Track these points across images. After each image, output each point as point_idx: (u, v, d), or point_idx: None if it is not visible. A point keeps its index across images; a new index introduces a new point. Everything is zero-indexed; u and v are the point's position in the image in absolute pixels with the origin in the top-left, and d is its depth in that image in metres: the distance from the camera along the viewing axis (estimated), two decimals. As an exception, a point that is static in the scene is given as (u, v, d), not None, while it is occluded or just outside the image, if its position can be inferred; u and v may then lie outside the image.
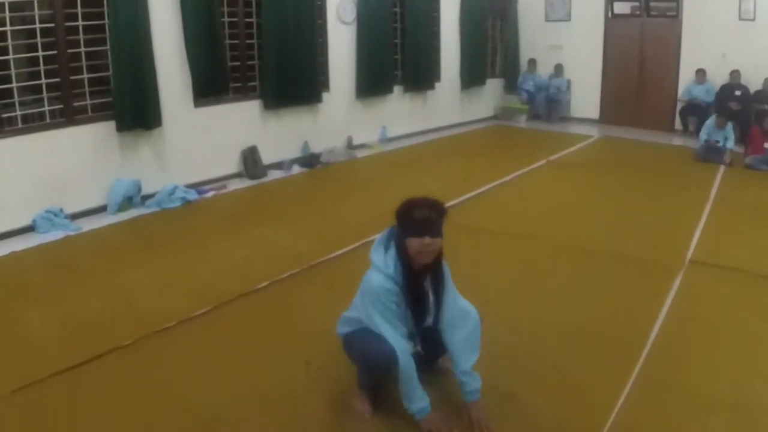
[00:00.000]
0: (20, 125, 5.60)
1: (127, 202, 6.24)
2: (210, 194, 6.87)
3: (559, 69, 12.31)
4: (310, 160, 8.26)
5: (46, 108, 5.76)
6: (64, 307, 4.11)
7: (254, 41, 7.65)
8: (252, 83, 7.77)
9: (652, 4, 11.49)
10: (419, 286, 2.74)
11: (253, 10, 7.56)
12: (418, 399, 2.70)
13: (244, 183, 7.42)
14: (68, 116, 5.91)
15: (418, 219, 2.59)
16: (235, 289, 4.28)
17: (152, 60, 6.34)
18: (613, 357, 3.44)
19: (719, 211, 6.30)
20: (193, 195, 6.64)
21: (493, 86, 12.78)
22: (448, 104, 11.48)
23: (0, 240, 5.38)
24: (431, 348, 2.94)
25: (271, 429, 2.82)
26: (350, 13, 8.87)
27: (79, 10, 5.79)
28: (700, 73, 10.64)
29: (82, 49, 5.90)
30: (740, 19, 10.36)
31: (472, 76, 11.71)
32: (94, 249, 5.31)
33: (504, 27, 12.83)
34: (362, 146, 9.40)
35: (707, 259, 4.91)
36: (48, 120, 5.80)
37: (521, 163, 8.35)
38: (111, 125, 6.15)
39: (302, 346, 3.53)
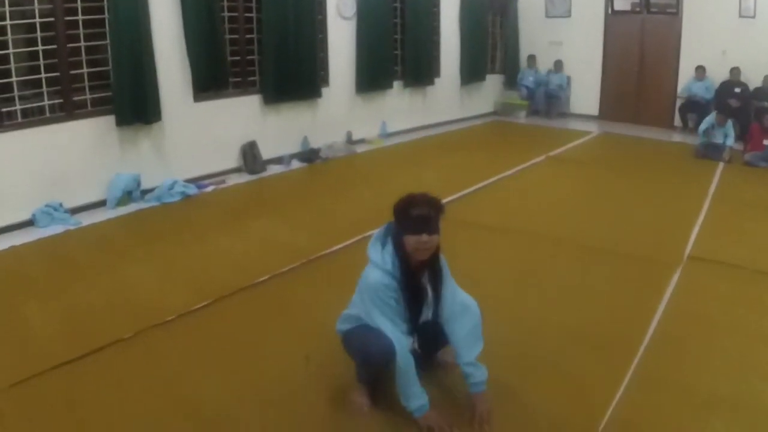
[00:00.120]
0: (20, 119, 5.60)
1: (127, 197, 6.24)
2: (209, 189, 6.88)
3: (558, 65, 12.30)
4: (309, 155, 8.27)
5: (46, 102, 5.75)
6: (63, 301, 4.12)
7: (254, 36, 7.64)
8: (252, 78, 7.77)
9: (652, 0, 11.47)
10: (417, 282, 2.75)
11: (253, 5, 7.55)
12: (416, 397, 2.70)
13: (244, 178, 7.42)
14: (68, 111, 5.90)
15: (415, 216, 2.60)
16: (234, 283, 4.29)
17: (152, 54, 6.34)
18: (611, 353, 3.45)
19: (718, 208, 6.30)
20: (192, 190, 6.64)
21: (493, 82, 12.77)
22: (447, 100, 11.47)
23: (-1, 234, 5.39)
24: (430, 342, 2.96)
25: (270, 422, 2.83)
26: (350, 8, 8.86)
27: (79, 4, 5.79)
28: (700, 70, 10.63)
29: (82, 44, 5.89)
30: (740, 16, 10.36)
31: (472, 71, 11.70)
32: (94, 243, 5.32)
33: (504, 23, 12.82)
34: (362, 141, 9.40)
35: (706, 256, 4.92)
36: (48, 114, 5.79)
37: (520, 159, 8.35)
38: (111, 120, 6.15)
39: (301, 340, 3.54)
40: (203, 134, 7.14)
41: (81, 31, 5.86)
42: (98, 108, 6.12)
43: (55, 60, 5.73)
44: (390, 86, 9.86)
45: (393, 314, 2.67)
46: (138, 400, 2.99)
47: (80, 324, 3.78)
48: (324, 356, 3.29)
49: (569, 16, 12.27)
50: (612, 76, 12.09)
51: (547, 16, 12.58)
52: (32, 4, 5.51)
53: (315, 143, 8.46)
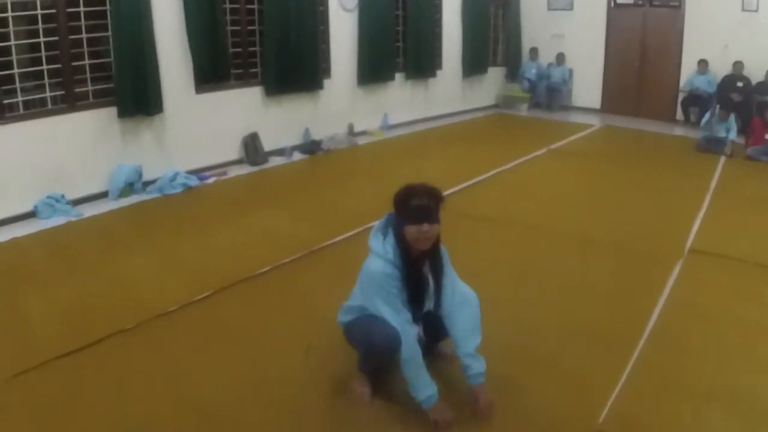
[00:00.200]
0: (22, 111, 5.60)
1: (129, 188, 6.25)
2: (211, 180, 6.88)
3: (560, 58, 12.27)
4: (311, 147, 8.27)
5: (48, 94, 5.76)
6: (65, 292, 4.14)
7: (256, 28, 7.64)
8: (253, 70, 7.77)
9: (654, -7, 11.47)
10: (418, 272, 2.77)
11: (255, -4, 7.56)
12: (425, 387, 2.70)
13: (245, 169, 7.43)
14: (70, 102, 5.91)
15: (416, 206, 2.62)
16: (235, 275, 4.31)
17: (154, 46, 6.33)
18: (610, 346, 3.46)
19: (719, 202, 6.31)
20: (194, 181, 6.65)
21: (495, 75, 12.75)
22: (449, 92, 11.46)
23: (1, 226, 5.40)
24: (431, 333, 2.98)
25: (271, 412, 2.84)
26: (352, 0, 8.85)
27: (81, -5, 5.80)
28: (702, 64, 10.60)
29: (84, 35, 5.89)
30: (743, 10, 10.33)
31: (474, 64, 11.68)
32: (96, 235, 5.34)
33: (506, 15, 12.79)
34: (363, 133, 9.40)
35: (706, 249, 4.93)
36: (49, 106, 5.80)
37: (522, 152, 8.35)
38: (112, 111, 6.15)
39: (303, 331, 3.55)
40: (205, 126, 7.14)
41: (83, 22, 5.86)
42: (100, 100, 6.13)
43: (57, 52, 5.73)
44: (392, 78, 9.85)
45: (397, 303, 2.68)
46: (139, 390, 3.01)
47: (82, 315, 3.79)
48: (325, 347, 3.31)
49: (571, 8, 12.24)
50: (614, 69, 12.07)
51: (549, 8, 12.55)
52: (34, -5, 5.51)
53: (316, 135, 8.46)
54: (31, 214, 5.62)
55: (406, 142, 9.29)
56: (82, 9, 5.81)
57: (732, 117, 8.77)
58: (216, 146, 7.33)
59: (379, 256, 2.67)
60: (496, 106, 12.84)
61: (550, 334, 3.60)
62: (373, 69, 9.31)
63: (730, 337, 3.59)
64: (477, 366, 2.78)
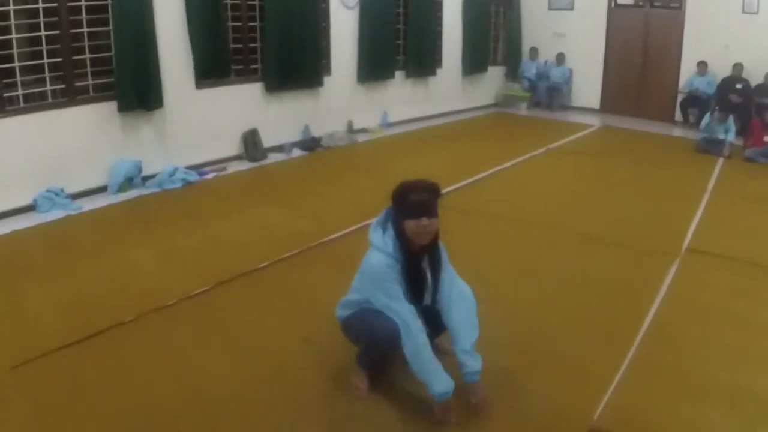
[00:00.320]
0: (22, 105, 5.60)
1: (128, 183, 6.26)
2: (210, 176, 6.89)
3: (561, 58, 12.28)
4: (310, 144, 8.28)
5: (48, 87, 5.77)
6: (64, 284, 4.15)
7: (257, 23, 7.64)
8: (254, 66, 7.77)
9: (655, -6, 11.49)
10: (417, 266, 2.78)
11: (256, -8, 7.57)
12: (437, 382, 2.66)
13: (245, 165, 7.44)
14: (70, 96, 5.91)
15: (414, 201, 2.65)
16: (235, 269, 4.32)
17: (154, 41, 6.34)
18: (607, 341, 3.48)
19: (717, 202, 6.33)
20: (193, 176, 6.66)
21: (495, 74, 12.76)
22: (449, 91, 11.47)
23: (1, 219, 5.40)
24: (430, 328, 2.98)
25: (269, 406, 2.85)
26: (353, -3, 8.87)
27: (82, -11, 5.80)
28: (702, 65, 10.62)
29: (85, 29, 5.89)
30: (743, 12, 10.35)
31: (474, 63, 11.69)
32: (95, 228, 5.34)
33: (507, 14, 12.80)
34: (363, 131, 9.41)
35: (704, 248, 4.95)
36: (50, 100, 5.81)
37: (521, 151, 8.37)
38: (112, 106, 6.16)
39: (302, 324, 3.58)
40: (205, 121, 7.15)
41: (84, 16, 5.87)
42: (100, 94, 6.13)
43: (58, 45, 5.73)
44: (392, 76, 9.86)
45: (400, 294, 2.69)
46: (138, 382, 3.02)
47: (81, 307, 3.80)
48: (324, 341, 3.32)
49: (572, 8, 12.25)
50: (614, 69, 12.09)
51: (550, 8, 12.56)
52: (36, -12, 5.52)
53: (316, 132, 8.47)
54: (30, 208, 5.63)
55: (406, 140, 9.31)
56: (83, 3, 5.82)
57: (731, 118, 8.80)
58: (215, 142, 7.34)
59: (380, 250, 2.70)
60: (495, 105, 12.86)
61: (547, 330, 3.61)
62: (374, 66, 9.32)
63: (727, 335, 3.61)
64: (473, 364, 2.77)
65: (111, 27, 6.00)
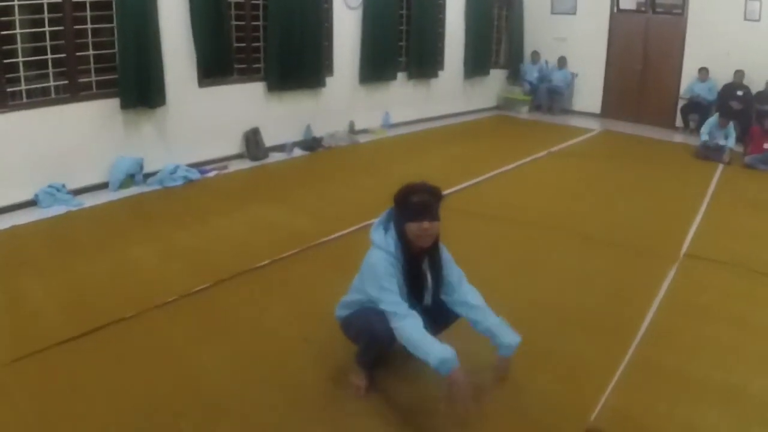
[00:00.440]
0: (25, 100, 5.62)
1: (129, 180, 6.27)
2: (211, 174, 6.91)
3: (562, 61, 12.31)
4: (311, 144, 8.30)
5: (51, 83, 5.78)
6: (65, 280, 4.16)
7: (260, 23, 7.66)
8: (256, 65, 7.79)
9: (658, 0, 11.48)
10: (418, 268, 2.80)
11: (260, -8, 7.59)
12: (440, 349, 2.55)
13: (246, 164, 7.45)
14: (73, 92, 5.93)
15: (416, 204, 2.67)
16: (235, 267, 4.34)
17: (158, 39, 6.36)
18: (606, 341, 3.51)
19: (716, 208, 6.35)
20: (194, 174, 6.67)
21: (496, 76, 12.79)
22: (451, 93, 11.49)
23: (2, 214, 5.42)
24: (430, 327, 2.99)
25: (269, 404, 2.87)
26: (356, -2, 8.90)
27: (87, -14, 5.82)
28: (703, 71, 10.63)
29: (89, 26, 5.91)
30: (745, 19, 10.36)
31: (476, 65, 11.72)
32: (96, 224, 5.35)
33: (509, 17, 12.83)
34: (364, 131, 9.43)
35: (702, 253, 4.96)
36: (53, 95, 5.82)
37: (522, 153, 8.39)
38: (115, 102, 6.18)
39: (302, 323, 3.60)
40: (207, 120, 7.17)
41: (88, 13, 5.88)
42: (103, 90, 6.15)
43: (62, 42, 5.75)
44: (394, 77, 9.88)
45: (393, 286, 2.69)
46: (138, 379, 3.04)
47: (81, 302, 3.82)
48: (324, 340, 3.34)
49: (574, 13, 12.27)
50: (615, 74, 12.10)
51: (553, 12, 12.59)
52: (40, -16, 5.53)
53: (317, 132, 8.49)
54: (31, 203, 5.65)
55: (407, 141, 9.32)
56: (87, -1, 5.84)
57: (731, 124, 8.82)
58: (217, 140, 7.36)
59: (381, 249, 2.71)
60: (497, 107, 12.87)
61: (546, 330, 3.64)
62: (376, 67, 9.34)
63: (724, 337, 3.64)
64: (510, 334, 2.90)
65: (115, 24, 6.02)
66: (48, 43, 5.65)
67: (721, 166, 8.32)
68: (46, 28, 5.61)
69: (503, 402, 2.90)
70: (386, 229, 2.78)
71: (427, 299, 2.86)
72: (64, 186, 5.82)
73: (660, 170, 8.07)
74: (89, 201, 5.84)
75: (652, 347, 3.46)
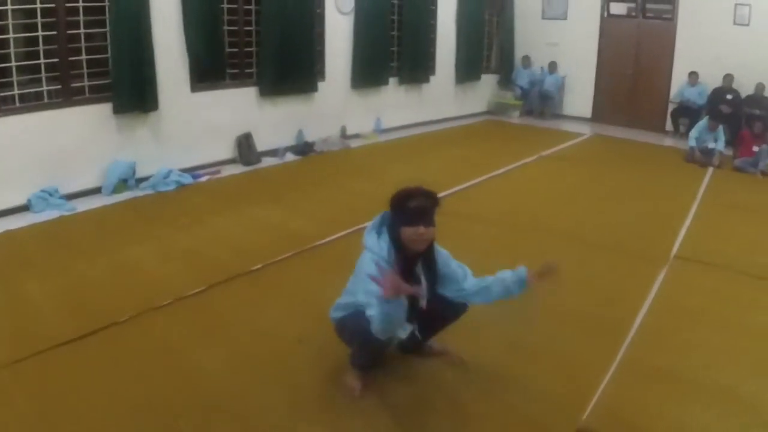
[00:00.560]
0: (18, 104, 5.62)
1: (122, 184, 6.27)
2: (204, 179, 6.91)
3: (553, 66, 12.37)
4: (303, 148, 8.32)
5: (44, 88, 5.78)
6: (60, 283, 4.16)
7: (252, 28, 7.68)
8: (249, 70, 7.81)
9: (648, 5, 11.57)
10: (411, 271, 2.82)
11: (253, -3, 7.61)
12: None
13: (238, 168, 7.46)
14: (66, 97, 5.93)
15: (413, 208, 2.68)
16: (230, 270, 4.36)
17: (151, 44, 6.37)
18: (598, 342, 3.55)
19: (706, 210, 6.40)
20: (187, 179, 6.68)
21: (488, 81, 12.84)
22: (442, 98, 11.52)
23: (-5, 218, 5.42)
24: (424, 330, 3.02)
25: (265, 404, 2.89)
26: (348, 3, 8.91)
27: (80, -9, 5.83)
28: (693, 76, 10.72)
29: (82, 31, 5.92)
30: (735, 23, 10.45)
31: (468, 70, 11.76)
32: (89, 228, 5.35)
33: (500, 23, 12.88)
34: (356, 136, 9.45)
35: (692, 256, 5.01)
36: (46, 100, 5.82)
37: (513, 158, 8.43)
38: (108, 107, 6.19)
39: (297, 324, 3.61)
40: (199, 124, 7.18)
41: (81, 17, 5.89)
42: (96, 95, 6.15)
43: (55, 46, 5.75)
44: (385, 82, 9.91)
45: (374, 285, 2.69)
46: (137, 379, 3.05)
47: (78, 306, 3.83)
48: (319, 341, 3.35)
49: (565, 18, 12.35)
50: (606, 78, 12.18)
51: (544, 17, 12.66)
52: (33, -11, 5.54)
53: (310, 137, 8.51)
54: (24, 208, 5.64)
55: (399, 146, 9.35)
56: (81, 4, 5.84)
57: (720, 128, 8.89)
58: (210, 145, 7.37)
59: (374, 253, 2.72)
60: (488, 112, 12.91)
61: (539, 330, 3.67)
62: (368, 72, 9.37)
63: (713, 338, 3.68)
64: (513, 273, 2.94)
65: (108, 29, 6.03)
66: (41, 47, 5.65)
67: (711, 170, 8.39)
68: (39, 33, 5.62)
69: (495, 400, 2.93)
70: (379, 233, 2.79)
71: (422, 303, 2.88)
72: (57, 190, 5.82)
73: (650, 173, 8.13)
74: (82, 205, 5.84)
75: (643, 348, 3.50)
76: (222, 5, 7.18)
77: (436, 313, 2.96)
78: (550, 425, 2.78)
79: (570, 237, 5.36)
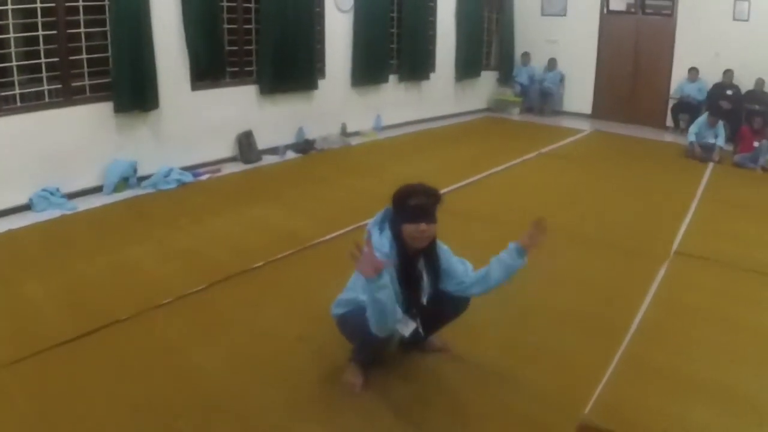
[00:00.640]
0: (18, 104, 5.63)
1: (123, 183, 6.29)
2: (205, 177, 6.93)
3: (552, 63, 12.37)
4: (304, 146, 8.33)
5: (45, 87, 5.79)
6: (63, 281, 4.18)
7: (252, 26, 7.69)
8: (249, 68, 7.82)
9: (647, 2, 11.57)
10: (413, 268, 2.83)
11: (252, -5, 7.62)
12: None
13: (239, 167, 7.47)
14: (66, 96, 5.94)
15: (414, 206, 2.70)
16: (231, 268, 4.37)
17: (151, 42, 6.38)
18: (598, 339, 3.55)
19: (706, 206, 6.41)
20: (188, 177, 6.70)
21: (487, 78, 12.85)
22: (442, 95, 11.54)
23: (-3, 217, 5.44)
24: (426, 325, 3.03)
25: (265, 402, 2.90)
26: (348, 1, 8.91)
27: (80, -10, 5.84)
28: (693, 72, 10.73)
29: (82, 30, 5.92)
30: (734, 19, 10.46)
31: (467, 67, 11.77)
32: (91, 227, 5.37)
33: (500, 20, 12.88)
34: (356, 134, 9.47)
35: (692, 251, 5.02)
36: (46, 99, 5.83)
37: (513, 155, 8.44)
38: (109, 106, 6.20)
39: (297, 324, 3.62)
40: (200, 123, 7.19)
41: (81, 17, 5.90)
42: (97, 94, 6.16)
43: (55, 46, 5.76)
44: (385, 80, 9.92)
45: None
46: (137, 379, 3.06)
47: (78, 305, 3.84)
48: (319, 338, 3.37)
49: (564, 14, 12.35)
50: (606, 75, 12.19)
51: (543, 14, 12.67)
52: (33, -11, 5.55)
53: (310, 134, 8.52)
54: (26, 207, 5.65)
55: (399, 143, 9.36)
56: (80, 3, 5.85)
57: (720, 123, 8.91)
58: (210, 143, 7.38)
59: (376, 249, 2.73)
60: (488, 109, 12.92)
61: (539, 326, 3.69)
62: (367, 70, 9.38)
63: (712, 335, 3.69)
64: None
65: (108, 28, 6.04)
66: (41, 47, 5.65)
67: (711, 165, 8.40)
68: (40, 33, 5.62)
69: (496, 398, 2.94)
70: (381, 230, 2.81)
71: (424, 299, 2.89)
72: (58, 190, 5.83)
73: (651, 169, 8.14)
74: (83, 204, 5.85)
75: (643, 345, 3.50)
76: (222, 4, 7.19)
77: (437, 309, 2.97)
78: (550, 423, 2.79)
79: (570, 233, 5.36)
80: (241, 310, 3.83)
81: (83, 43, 5.97)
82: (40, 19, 5.61)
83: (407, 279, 2.82)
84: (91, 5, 5.96)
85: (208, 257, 4.65)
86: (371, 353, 2.98)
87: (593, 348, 3.45)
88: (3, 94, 5.49)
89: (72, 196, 5.95)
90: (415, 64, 10.44)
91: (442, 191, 2.93)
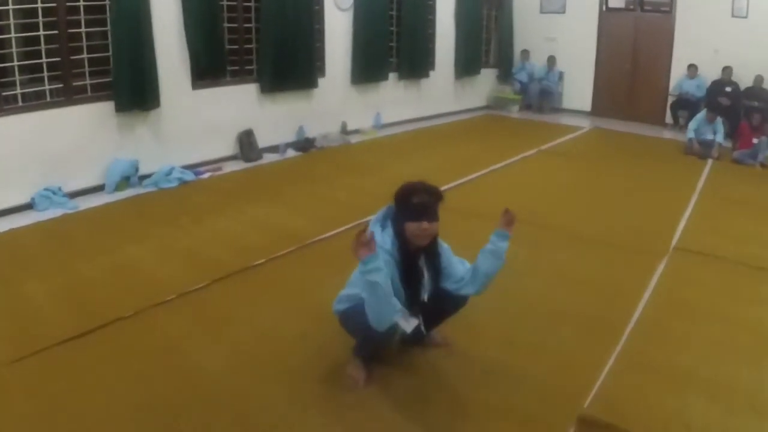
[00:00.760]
0: (20, 104, 5.65)
1: (125, 182, 6.31)
2: (206, 176, 6.95)
3: (552, 60, 12.38)
4: (304, 144, 8.35)
5: (46, 87, 5.81)
6: (63, 280, 4.20)
7: (252, 25, 7.71)
8: (249, 67, 7.84)
9: (646, -2, 11.61)
10: (414, 265, 2.86)
11: (252, -6, 7.63)
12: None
13: (240, 165, 7.49)
14: (68, 96, 5.96)
15: (416, 204, 2.73)
16: (232, 266, 4.39)
17: (152, 42, 6.40)
18: (597, 335, 3.57)
19: (705, 202, 6.44)
20: (189, 176, 6.72)
21: (487, 76, 12.86)
22: (442, 93, 11.56)
23: (-1, 217, 5.46)
24: (426, 322, 3.06)
25: (268, 397, 2.92)
26: (347, -1, 8.95)
27: (81, -10, 5.86)
28: (692, 68, 10.75)
29: (83, 30, 5.94)
30: (733, 15, 10.48)
31: (467, 65, 11.79)
32: (93, 225, 5.39)
33: (499, 18, 12.90)
34: (356, 132, 9.49)
35: (691, 247, 5.04)
36: (48, 99, 5.85)
37: (513, 152, 8.46)
38: (110, 105, 6.22)
39: (298, 321, 3.64)
40: (200, 122, 7.21)
41: (82, 16, 5.92)
42: (98, 94, 6.18)
43: (56, 45, 5.78)
44: (385, 78, 9.94)
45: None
46: (138, 377, 3.07)
47: (80, 303, 3.86)
48: (321, 335, 3.39)
49: (563, 12, 12.36)
50: (605, 72, 12.20)
51: (542, 11, 12.68)
52: (34, -11, 5.57)
53: (310, 133, 8.55)
54: (28, 206, 5.68)
55: (399, 141, 9.38)
56: (81, 3, 5.87)
57: (719, 119, 8.93)
58: (211, 142, 7.40)
59: (378, 246, 2.75)
60: (487, 107, 12.94)
61: (538, 322, 3.71)
62: (367, 68, 9.40)
63: (711, 330, 3.70)
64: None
65: (109, 27, 6.05)
66: (42, 47, 5.67)
67: (710, 162, 8.42)
68: (41, 32, 5.64)
69: (496, 393, 2.96)
70: (383, 227, 2.84)
71: (424, 295, 2.92)
72: (60, 189, 5.85)
73: (650, 166, 8.16)
74: (85, 203, 5.87)
75: (642, 340, 3.53)
76: (222, 3, 7.21)
77: (438, 305, 3.00)
78: (550, 418, 2.81)
79: (569, 230, 5.39)
80: (242, 308, 3.85)
81: (84, 43, 5.99)
82: (41, 19, 5.62)
83: (409, 276, 2.84)
84: (92, 5, 5.97)
85: (209, 255, 4.67)
86: (373, 348, 3.00)
87: (592, 344, 3.48)
88: (4, 93, 5.51)
89: (74, 195, 5.98)
90: (415, 62, 10.46)
91: (443, 188, 2.95)
